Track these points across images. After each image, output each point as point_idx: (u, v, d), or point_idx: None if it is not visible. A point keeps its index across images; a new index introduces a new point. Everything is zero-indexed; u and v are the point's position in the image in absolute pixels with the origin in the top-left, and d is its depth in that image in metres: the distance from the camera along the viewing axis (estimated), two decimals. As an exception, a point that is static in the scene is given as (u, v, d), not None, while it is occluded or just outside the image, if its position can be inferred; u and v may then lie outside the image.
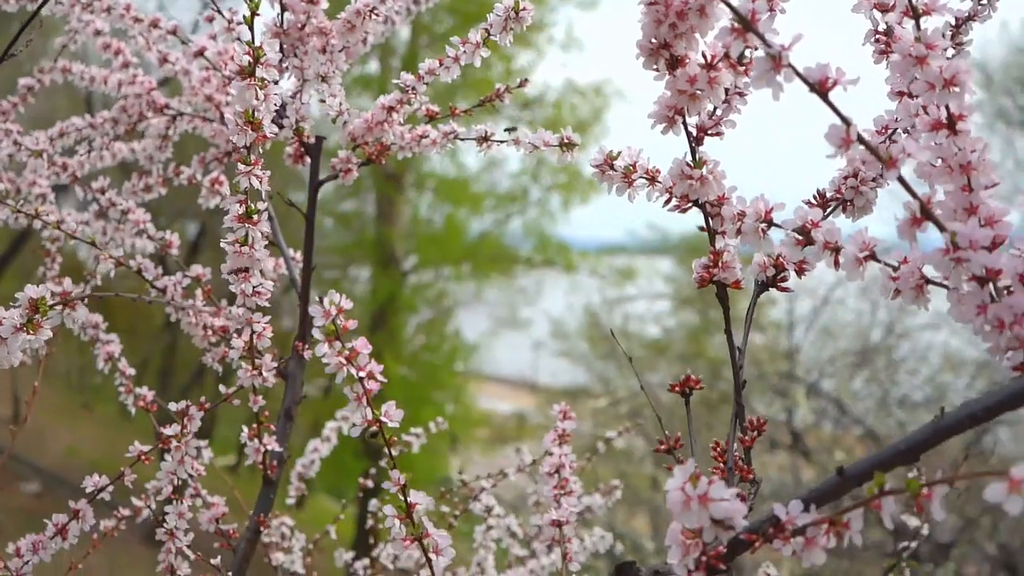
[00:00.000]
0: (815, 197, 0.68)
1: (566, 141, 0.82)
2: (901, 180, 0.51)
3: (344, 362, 0.61)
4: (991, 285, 0.51)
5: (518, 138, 0.88)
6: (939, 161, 0.56)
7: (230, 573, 0.93)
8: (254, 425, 0.95)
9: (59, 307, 0.68)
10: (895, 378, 6.75)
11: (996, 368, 7.26)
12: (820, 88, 0.50)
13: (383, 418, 0.62)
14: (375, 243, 10.91)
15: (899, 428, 5.97)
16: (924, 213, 0.52)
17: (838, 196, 0.67)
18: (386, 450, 0.64)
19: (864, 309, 7.57)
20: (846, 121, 0.50)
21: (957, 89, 0.52)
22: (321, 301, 0.60)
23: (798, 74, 0.50)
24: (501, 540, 1.31)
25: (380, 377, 0.62)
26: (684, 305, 10.76)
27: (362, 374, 0.61)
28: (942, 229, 0.51)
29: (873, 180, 0.66)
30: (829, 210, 0.68)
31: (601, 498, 1.43)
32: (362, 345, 0.62)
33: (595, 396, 8.60)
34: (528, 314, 12.16)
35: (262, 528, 0.97)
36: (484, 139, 0.93)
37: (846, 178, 0.67)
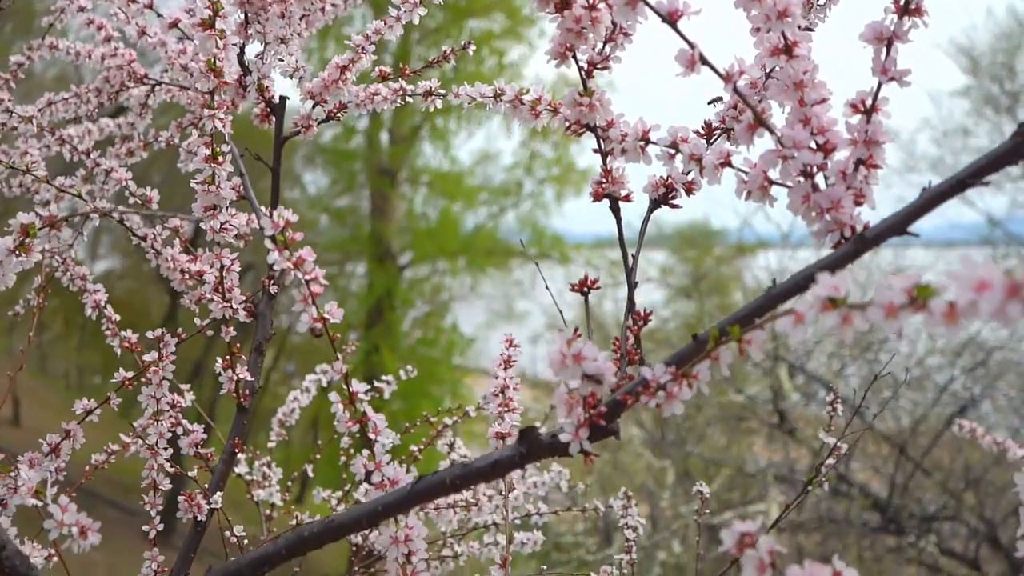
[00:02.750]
0: (702, 126, 0.78)
1: (498, 92, 0.92)
2: (736, 91, 0.62)
3: (292, 267, 0.71)
4: (816, 179, 0.62)
5: (457, 91, 0.98)
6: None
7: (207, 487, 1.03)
8: (227, 356, 1.05)
9: (46, 229, 0.78)
10: (879, 358, 6.86)
11: (981, 346, 7.39)
12: (670, 18, 0.60)
13: (326, 315, 0.73)
14: (371, 239, 11.00)
15: (884, 407, 6.08)
16: (758, 120, 0.62)
17: (722, 125, 0.78)
18: (332, 348, 0.75)
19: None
20: (692, 45, 0.61)
21: (790, 20, 0.63)
22: (271, 215, 0.71)
23: (651, 7, 0.60)
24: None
25: (323, 280, 0.72)
26: (679, 295, 10.88)
27: (308, 277, 0.71)
28: (773, 133, 0.61)
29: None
30: (714, 137, 0.78)
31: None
32: (307, 253, 0.72)
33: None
34: (524, 307, 12.25)
35: (237, 451, 1.08)
36: (429, 93, 1.04)
37: (728, 109, 0.78)
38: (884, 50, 0.62)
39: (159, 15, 1.18)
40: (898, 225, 0.57)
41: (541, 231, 11.45)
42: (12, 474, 0.73)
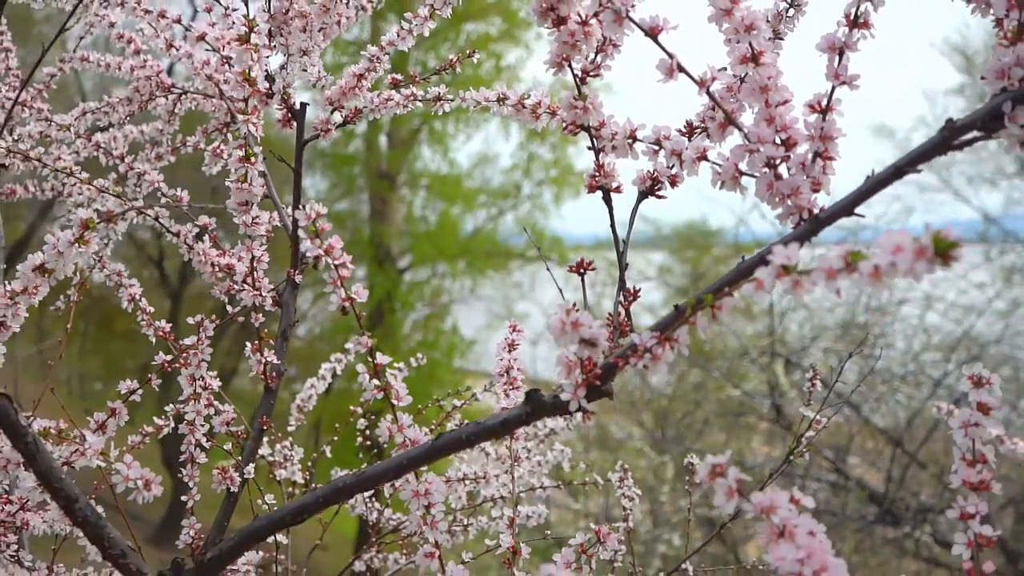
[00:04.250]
0: (684, 126, 0.88)
1: (501, 96, 1.02)
2: (709, 95, 0.72)
3: (323, 253, 0.81)
4: (780, 170, 0.71)
5: (464, 96, 1.08)
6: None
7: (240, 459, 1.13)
8: (256, 341, 1.15)
9: (103, 223, 0.88)
10: (875, 353, 6.97)
11: (975, 341, 7.50)
12: (652, 33, 0.70)
13: (353, 295, 0.82)
14: (370, 242, 11.10)
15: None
16: (728, 120, 0.72)
17: (701, 124, 0.88)
18: (359, 324, 0.84)
19: (854, 292, 7.84)
20: (671, 55, 0.71)
21: (756, 32, 0.72)
22: (304, 207, 0.80)
23: (635, 23, 0.70)
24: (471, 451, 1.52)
25: (350, 265, 0.82)
26: (677, 294, 10.98)
27: (337, 262, 0.81)
28: (741, 130, 0.71)
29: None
30: (695, 135, 0.88)
31: (564, 421, 1.63)
32: (336, 241, 0.82)
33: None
34: (523, 308, 12.34)
35: (264, 428, 1.17)
36: (438, 99, 1.14)
37: (705, 111, 0.87)
38: (837, 58, 0.72)
39: (187, 29, 1.28)
40: (846, 208, 0.67)
41: (540, 233, 11.55)
42: (78, 440, 0.82)
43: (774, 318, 7.30)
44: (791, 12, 0.92)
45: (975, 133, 0.65)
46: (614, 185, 0.84)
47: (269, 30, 1.16)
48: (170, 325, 1.26)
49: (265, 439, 1.49)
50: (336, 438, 1.62)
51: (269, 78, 1.17)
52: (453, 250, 11.46)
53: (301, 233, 0.80)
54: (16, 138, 1.38)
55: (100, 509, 0.90)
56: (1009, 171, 9.21)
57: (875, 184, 0.66)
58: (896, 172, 0.65)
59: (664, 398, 7.81)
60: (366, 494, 1.58)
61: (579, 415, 0.76)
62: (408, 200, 12.08)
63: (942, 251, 0.48)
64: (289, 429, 1.57)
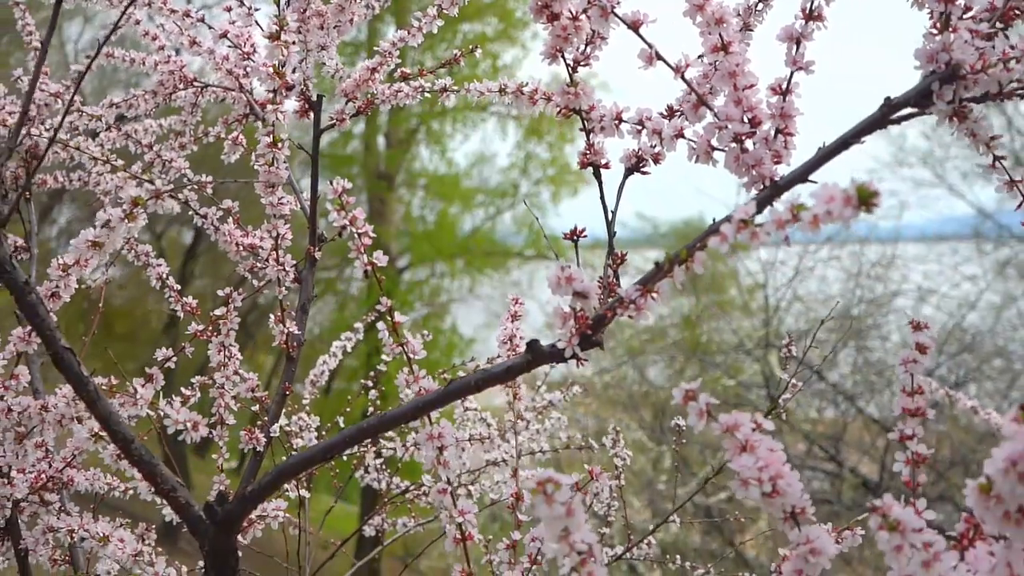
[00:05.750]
0: (666, 109, 0.99)
1: (503, 87, 1.13)
2: (684, 80, 0.82)
3: (348, 223, 0.92)
4: (747, 144, 0.82)
5: (468, 87, 1.19)
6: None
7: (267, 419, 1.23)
8: (279, 313, 1.26)
9: (152, 200, 0.99)
10: (869, 344, 7.10)
11: (966, 331, 7.63)
12: (633, 26, 0.81)
13: (375, 260, 0.93)
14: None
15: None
16: (700, 102, 0.83)
17: (680, 108, 0.98)
18: (379, 287, 0.95)
19: (848, 286, 7.98)
20: (650, 45, 0.81)
21: (725, 25, 0.83)
22: (331, 182, 0.91)
23: (619, 17, 0.81)
24: (475, 423, 1.63)
25: (371, 234, 0.93)
26: (675, 292, 11.06)
27: (360, 231, 0.92)
28: (711, 110, 0.82)
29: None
30: (676, 118, 0.98)
31: (560, 394, 1.74)
32: (360, 213, 0.93)
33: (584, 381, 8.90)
34: (523, 307, 12.42)
35: (287, 393, 1.28)
36: (444, 90, 1.24)
37: (684, 95, 0.98)
38: (795, 46, 0.82)
39: (210, 27, 1.38)
40: (800, 176, 0.77)
41: (538, 232, 11.63)
42: (131, 391, 0.93)
43: (769, 311, 7.42)
44: (760, 6, 1.02)
45: (910, 110, 0.76)
46: (603, 162, 0.94)
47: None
48: (196, 301, 1.36)
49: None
50: (348, 409, 1.73)
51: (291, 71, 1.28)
52: (451, 249, 11.55)
53: (328, 206, 0.91)
54: (48, 128, 1.48)
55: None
56: (1004, 167, 9.28)
57: (826, 154, 0.77)
58: (843, 144, 0.76)
59: (662, 391, 7.93)
60: (378, 461, 1.69)
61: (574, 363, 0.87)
62: (406, 200, 12.17)
63: (865, 199, 0.58)
64: (304, 402, 1.67)
